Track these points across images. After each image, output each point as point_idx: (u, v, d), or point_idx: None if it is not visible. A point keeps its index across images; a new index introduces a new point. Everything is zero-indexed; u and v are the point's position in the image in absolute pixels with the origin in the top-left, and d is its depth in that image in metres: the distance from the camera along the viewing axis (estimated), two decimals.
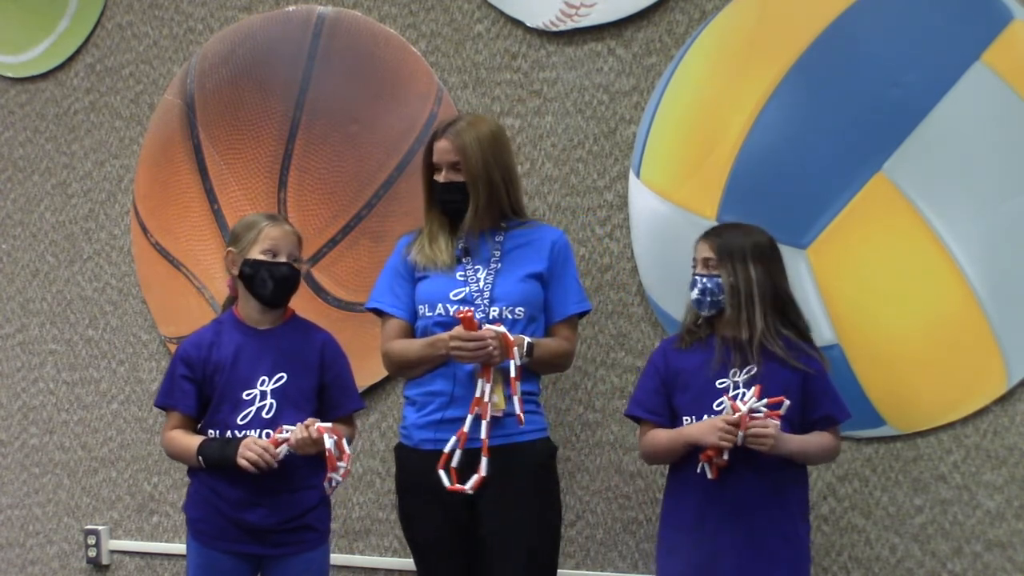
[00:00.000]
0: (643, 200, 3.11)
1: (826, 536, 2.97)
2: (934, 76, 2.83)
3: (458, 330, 2.58)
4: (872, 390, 2.90)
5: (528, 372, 2.68)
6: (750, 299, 2.58)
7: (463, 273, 2.72)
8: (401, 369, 2.81)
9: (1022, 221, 2.80)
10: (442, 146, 2.73)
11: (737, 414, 2.46)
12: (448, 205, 2.73)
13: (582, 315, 2.82)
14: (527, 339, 2.66)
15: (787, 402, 2.48)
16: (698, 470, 2.54)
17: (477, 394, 2.59)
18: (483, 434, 2.57)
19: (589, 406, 3.22)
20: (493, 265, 2.73)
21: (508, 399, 2.60)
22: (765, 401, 2.47)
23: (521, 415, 2.59)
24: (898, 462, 2.94)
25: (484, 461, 2.57)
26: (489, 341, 2.56)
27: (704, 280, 2.60)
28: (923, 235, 2.84)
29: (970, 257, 2.81)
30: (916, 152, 2.84)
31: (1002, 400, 2.85)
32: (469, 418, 2.59)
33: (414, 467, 2.71)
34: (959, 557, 2.90)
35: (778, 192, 2.94)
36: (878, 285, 2.88)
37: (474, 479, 2.57)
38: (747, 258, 2.60)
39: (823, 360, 2.63)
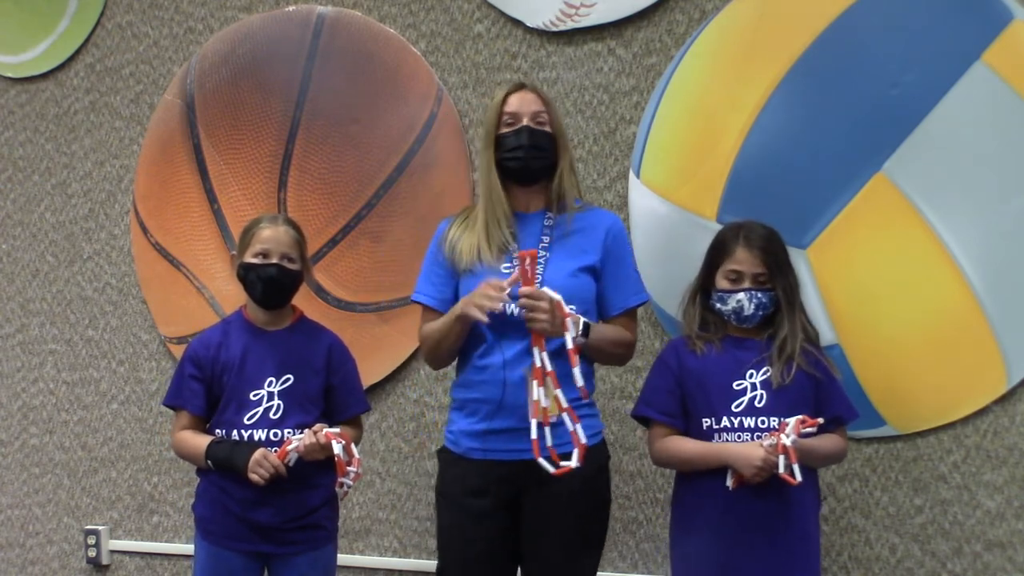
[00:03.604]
0: (643, 200, 3.11)
1: (826, 536, 2.97)
2: (934, 76, 2.83)
3: (490, 284, 2.44)
4: (872, 390, 2.90)
5: (584, 369, 2.51)
6: (795, 306, 2.60)
7: (509, 265, 2.54)
8: (431, 350, 2.63)
9: (1022, 221, 2.80)
10: (526, 96, 2.58)
11: (779, 438, 2.45)
12: (534, 153, 2.55)
13: (637, 307, 2.68)
14: (583, 319, 2.49)
15: (821, 420, 2.50)
16: (727, 483, 2.51)
17: (537, 364, 2.40)
18: (563, 403, 2.40)
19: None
20: (542, 254, 2.55)
21: (562, 402, 2.43)
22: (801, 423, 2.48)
23: (583, 389, 2.42)
24: (898, 462, 2.95)
25: (578, 428, 2.39)
26: (542, 303, 2.38)
27: (759, 296, 2.58)
28: (923, 235, 2.84)
29: (970, 257, 2.81)
30: (916, 152, 2.84)
31: (1002, 400, 2.85)
32: (535, 387, 2.41)
33: (459, 474, 2.59)
34: (959, 557, 2.90)
35: (778, 192, 2.94)
36: (878, 285, 2.88)
37: (576, 453, 2.40)
38: (789, 264, 2.63)
39: (830, 363, 2.63)
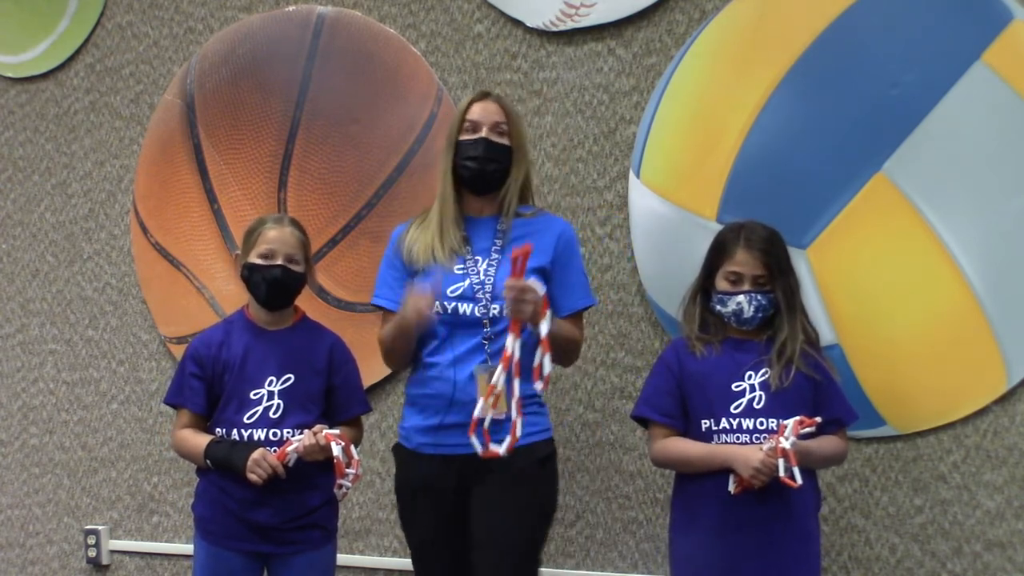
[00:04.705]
0: (643, 200, 3.11)
1: (826, 536, 2.97)
2: (934, 76, 2.83)
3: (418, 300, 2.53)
4: (872, 390, 2.90)
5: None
6: (795, 308, 2.60)
7: (462, 266, 2.63)
8: (386, 354, 2.72)
9: (1022, 221, 2.80)
10: (488, 107, 2.65)
11: (779, 443, 2.45)
12: (489, 165, 2.62)
13: (585, 309, 2.75)
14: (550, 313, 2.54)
15: (819, 419, 2.50)
16: (729, 488, 2.51)
17: (508, 352, 2.44)
18: (517, 392, 2.44)
19: (589, 406, 3.22)
20: (494, 256, 2.64)
21: (516, 398, 2.48)
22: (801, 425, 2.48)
23: (547, 377, 2.46)
24: (898, 462, 2.94)
25: (519, 421, 2.45)
26: (530, 294, 2.43)
27: (759, 298, 2.58)
28: (923, 235, 2.84)
29: (970, 257, 2.81)
30: (916, 152, 2.84)
31: (1002, 400, 2.85)
32: (499, 370, 2.44)
33: (413, 470, 2.68)
34: (959, 557, 2.90)
35: (778, 192, 2.93)
36: (878, 285, 2.88)
37: (507, 441, 2.44)
38: (790, 266, 2.62)
39: (830, 366, 2.63)
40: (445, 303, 2.61)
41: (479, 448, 2.45)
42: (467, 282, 2.61)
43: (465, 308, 2.60)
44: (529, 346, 2.50)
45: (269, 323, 2.83)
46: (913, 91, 2.84)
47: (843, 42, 2.92)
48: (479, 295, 2.60)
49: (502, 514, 2.58)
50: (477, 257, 2.63)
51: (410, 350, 2.67)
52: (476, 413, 2.44)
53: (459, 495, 2.61)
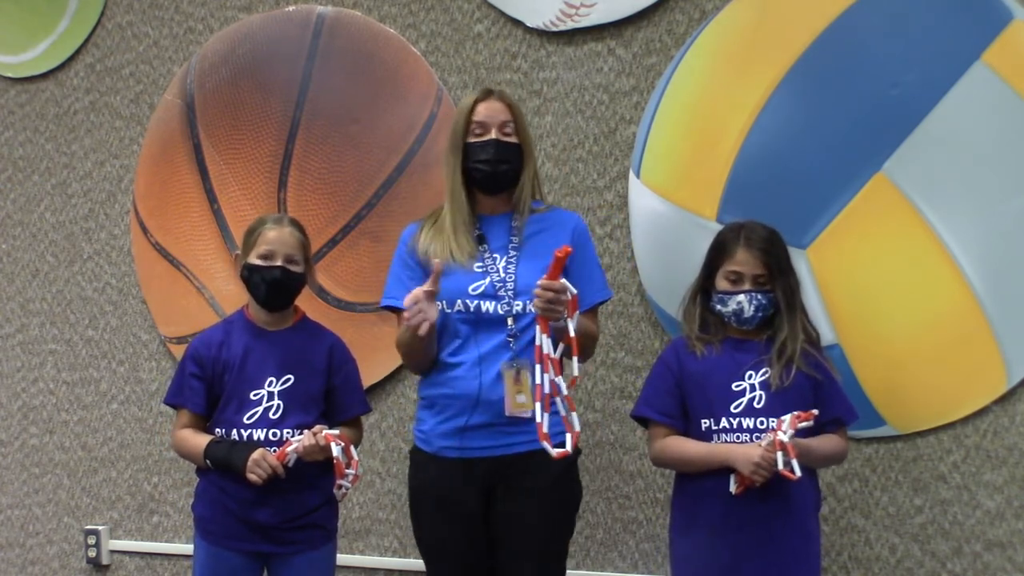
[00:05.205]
0: (643, 200, 3.11)
1: (826, 536, 2.97)
2: (934, 76, 2.83)
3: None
4: (872, 390, 2.90)
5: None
6: (795, 308, 2.60)
7: (481, 264, 2.60)
8: (404, 357, 2.67)
9: (1022, 221, 2.80)
10: (494, 106, 2.62)
11: (776, 436, 2.44)
12: (501, 166, 2.60)
13: (602, 303, 2.72)
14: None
15: (816, 412, 2.50)
16: (731, 489, 2.51)
17: (546, 350, 2.40)
18: (563, 389, 2.41)
19: (589, 406, 3.22)
20: (512, 253, 2.61)
21: (539, 398, 2.45)
22: (800, 420, 2.48)
23: (574, 378, 2.47)
24: (898, 462, 2.95)
25: (573, 415, 2.43)
26: (564, 296, 2.40)
27: (759, 297, 2.57)
28: (923, 235, 2.84)
29: (970, 257, 2.81)
30: (916, 152, 2.84)
31: (1002, 400, 2.85)
32: (539, 371, 2.40)
33: (433, 474, 2.62)
34: (959, 557, 2.90)
35: (778, 192, 2.94)
36: (878, 285, 2.88)
37: (569, 439, 2.42)
38: (790, 265, 2.62)
39: (830, 365, 2.63)
40: (467, 301, 2.58)
41: (552, 452, 2.40)
42: (487, 280, 2.59)
43: (488, 306, 2.57)
44: (554, 343, 2.48)
45: (269, 323, 2.83)
46: (913, 91, 2.84)
47: (843, 42, 2.92)
48: (501, 292, 2.57)
49: (531, 516, 2.56)
50: (495, 255, 2.61)
51: (431, 351, 2.61)
52: (537, 419, 2.40)
53: (480, 497, 2.58)
